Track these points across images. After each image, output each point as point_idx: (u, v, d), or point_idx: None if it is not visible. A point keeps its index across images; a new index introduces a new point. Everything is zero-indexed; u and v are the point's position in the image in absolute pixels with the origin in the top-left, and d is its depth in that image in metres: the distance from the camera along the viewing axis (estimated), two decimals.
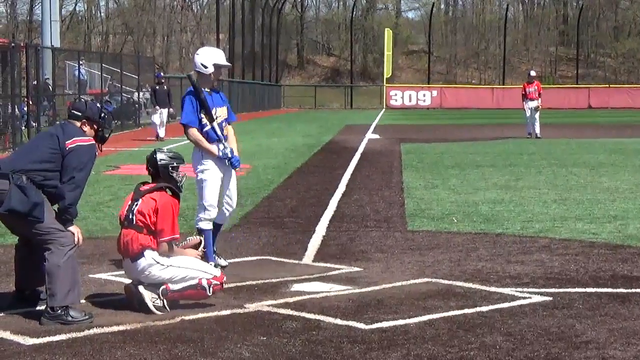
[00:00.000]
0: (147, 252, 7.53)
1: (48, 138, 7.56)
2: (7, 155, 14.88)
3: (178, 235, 7.75)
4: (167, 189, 7.85)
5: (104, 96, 38.52)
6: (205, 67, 9.65)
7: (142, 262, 7.56)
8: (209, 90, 9.72)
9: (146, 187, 7.84)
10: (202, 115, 9.53)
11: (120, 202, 13.99)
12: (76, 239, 7.37)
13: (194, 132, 9.56)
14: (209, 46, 10.81)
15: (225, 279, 7.86)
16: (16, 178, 7.11)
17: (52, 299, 7.16)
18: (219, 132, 9.59)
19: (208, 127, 9.57)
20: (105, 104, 37.31)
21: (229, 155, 9.63)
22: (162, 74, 37.20)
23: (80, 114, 7.64)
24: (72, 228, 7.36)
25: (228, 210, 9.95)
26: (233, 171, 9.85)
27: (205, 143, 9.55)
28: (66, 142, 7.33)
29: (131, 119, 39.23)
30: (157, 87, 31.64)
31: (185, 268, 7.67)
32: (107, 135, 7.88)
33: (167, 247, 7.62)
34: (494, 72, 76.12)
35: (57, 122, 7.80)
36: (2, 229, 7.70)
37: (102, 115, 7.76)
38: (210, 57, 9.77)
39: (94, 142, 7.56)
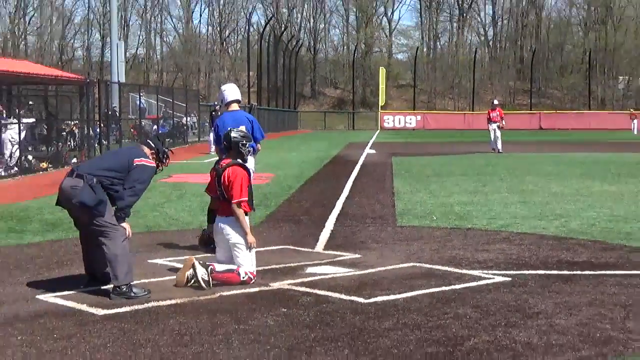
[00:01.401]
0: (226, 220, 7.87)
1: (121, 153, 7.69)
2: None
3: (245, 198, 7.80)
4: (242, 163, 8.01)
5: (159, 120, 38.58)
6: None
7: (223, 228, 7.88)
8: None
9: (224, 163, 7.99)
10: None
11: (172, 204, 14.14)
12: (127, 233, 7.42)
13: (259, 145, 10.01)
14: (233, 82, 10.69)
15: (255, 279, 7.89)
16: (89, 178, 7.20)
17: (115, 280, 7.22)
18: None
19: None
20: (161, 127, 37.41)
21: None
22: (216, 103, 37.22)
23: (153, 145, 7.77)
24: (124, 224, 7.42)
25: None
26: None
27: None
28: (134, 159, 7.45)
29: (181, 138, 39.27)
30: (213, 113, 31.60)
31: (242, 252, 7.80)
32: (164, 164, 7.91)
33: (236, 207, 7.74)
34: (465, 101, 75.90)
35: (134, 144, 8.09)
36: (71, 224, 7.73)
37: (164, 152, 7.82)
38: (236, 90, 10.13)
39: (155, 165, 7.65)
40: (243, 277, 7.73)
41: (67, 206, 7.45)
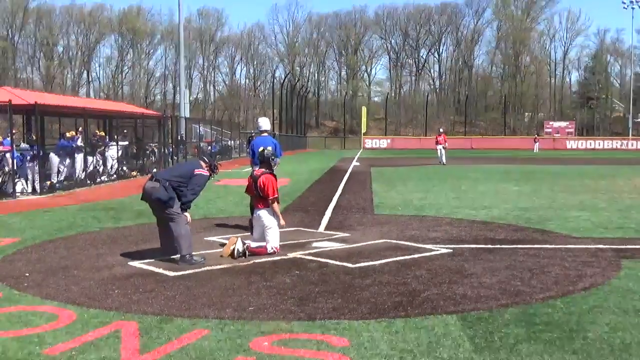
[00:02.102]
0: (263, 211, 7.86)
1: (186, 165, 7.77)
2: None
3: (277, 195, 7.88)
4: (271, 171, 8.07)
5: (212, 142, 38.68)
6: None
7: (260, 215, 7.86)
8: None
9: (258, 172, 8.06)
10: None
11: (221, 200, 14.06)
12: (188, 219, 7.44)
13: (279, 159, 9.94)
14: (265, 117, 10.87)
15: (277, 251, 7.84)
16: (163, 182, 7.27)
17: (180, 250, 7.22)
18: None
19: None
20: (213, 147, 37.44)
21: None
22: (253, 131, 37.38)
23: (207, 161, 7.83)
24: (187, 213, 7.44)
25: None
26: None
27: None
28: (195, 170, 7.49)
29: (227, 155, 39.28)
30: (250, 138, 31.50)
31: (272, 232, 7.80)
32: (215, 173, 7.91)
33: (272, 202, 7.82)
34: (420, 129, 75.81)
35: (195, 158, 8.13)
36: (151, 213, 7.72)
37: (215, 165, 7.87)
38: (268, 123, 10.22)
39: (208, 174, 7.65)
40: (270, 250, 7.73)
41: (148, 201, 7.49)
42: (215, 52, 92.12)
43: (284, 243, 8.50)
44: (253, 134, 10.24)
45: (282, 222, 7.98)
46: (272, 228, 7.81)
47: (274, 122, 66.10)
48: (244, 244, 7.59)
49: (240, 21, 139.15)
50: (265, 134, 9.99)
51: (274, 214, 7.88)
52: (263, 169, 8.06)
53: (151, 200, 7.39)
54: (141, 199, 7.66)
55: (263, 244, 7.79)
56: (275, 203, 7.87)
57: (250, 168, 9.98)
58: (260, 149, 8.43)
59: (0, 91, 18.59)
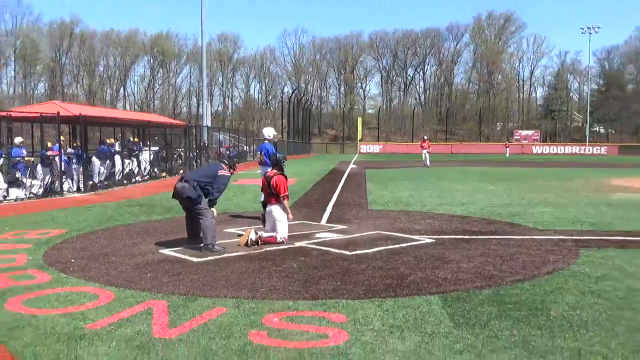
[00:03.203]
0: (275, 206, 7.84)
1: (210, 167, 7.79)
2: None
3: (287, 193, 7.91)
4: (282, 172, 8.07)
5: (230, 148, 38.70)
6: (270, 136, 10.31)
7: (272, 210, 7.86)
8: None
9: (271, 173, 8.07)
10: None
11: (238, 198, 14.04)
12: (214, 214, 7.45)
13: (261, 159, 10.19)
14: (272, 127, 11.33)
15: (286, 241, 7.84)
16: (192, 182, 7.29)
17: (205, 240, 7.22)
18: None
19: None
20: (232, 152, 37.45)
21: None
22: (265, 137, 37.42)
23: (227, 162, 7.80)
24: (213, 208, 7.44)
25: None
26: None
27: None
28: (218, 171, 7.51)
29: (243, 158, 39.27)
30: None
31: (281, 224, 7.79)
32: (234, 171, 7.89)
33: (282, 199, 7.85)
34: (408, 137, 75.65)
35: (216, 161, 8.16)
36: (179, 209, 7.72)
37: (234, 164, 7.88)
38: (272, 131, 10.49)
39: (229, 174, 7.66)
40: (279, 240, 7.72)
41: (179, 199, 7.49)
42: (232, 71, 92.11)
43: (291, 234, 8.50)
44: (264, 139, 10.36)
45: (291, 216, 8.00)
46: (281, 221, 7.81)
47: (282, 131, 66.18)
48: (256, 234, 7.59)
49: (254, 44, 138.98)
50: (267, 141, 10.23)
51: (284, 209, 7.88)
52: (275, 171, 8.07)
53: (182, 198, 7.42)
54: (172, 197, 7.65)
55: (273, 234, 7.79)
56: (285, 200, 7.87)
57: (260, 170, 10.13)
58: (260, 154, 8.54)
59: (50, 105, 18.65)
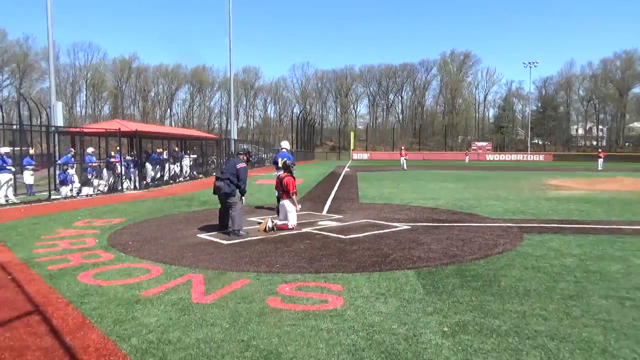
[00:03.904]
0: (286, 200, 7.72)
1: (232, 162, 7.46)
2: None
3: (295, 190, 7.79)
4: (291, 175, 7.94)
5: (252, 155, 38.59)
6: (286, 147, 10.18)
7: (284, 203, 7.74)
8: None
9: (283, 175, 7.93)
10: None
11: (258, 193, 13.93)
12: (243, 202, 7.36)
13: (278, 165, 9.95)
14: (287, 140, 11.46)
15: (296, 226, 7.81)
16: (226, 180, 7.19)
17: (233, 226, 7.16)
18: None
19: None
20: (253, 158, 37.34)
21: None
22: (278, 148, 37.28)
23: (242, 152, 7.65)
24: (243, 197, 7.36)
25: None
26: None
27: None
28: (237, 165, 7.31)
29: (262, 164, 39.22)
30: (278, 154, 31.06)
31: (291, 214, 7.69)
32: (250, 158, 7.71)
33: (292, 194, 7.72)
34: (390, 147, 75.49)
35: (236, 156, 7.76)
36: (213, 202, 7.69)
37: (249, 152, 7.73)
38: (287, 144, 10.42)
39: (246, 164, 7.48)
40: (290, 226, 7.69)
41: (218, 194, 7.36)
42: (254, 96, 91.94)
43: (299, 222, 8.47)
44: (279, 149, 10.35)
45: (299, 207, 7.95)
46: (292, 212, 7.78)
47: (292, 143, 66.01)
48: (272, 222, 7.55)
49: (271, 75, 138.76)
50: (284, 151, 10.17)
51: (293, 202, 7.84)
52: (286, 173, 8.01)
53: (220, 194, 7.30)
54: (213, 193, 7.55)
55: (286, 222, 7.76)
56: (294, 195, 7.82)
57: (275, 172, 10.08)
58: (281, 160, 8.43)
59: (113, 122, 18.63)
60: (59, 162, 13.74)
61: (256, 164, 36.95)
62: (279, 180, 7.97)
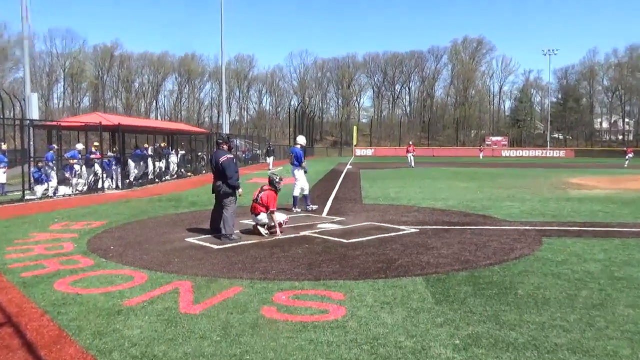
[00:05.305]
0: (261, 214, 7.48)
1: (214, 158, 7.26)
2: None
3: (275, 208, 7.51)
4: (274, 190, 7.75)
5: (246, 151, 38.55)
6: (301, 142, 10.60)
7: (259, 217, 7.51)
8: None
9: (266, 187, 7.79)
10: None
11: (251, 194, 14.00)
12: (240, 192, 7.23)
13: (304, 163, 10.46)
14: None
15: (287, 219, 7.86)
16: (222, 181, 7.19)
17: (224, 229, 7.15)
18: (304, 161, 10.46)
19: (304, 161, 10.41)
20: (247, 154, 37.31)
21: (306, 168, 10.53)
22: (270, 142, 37.15)
23: (222, 139, 7.50)
24: (239, 189, 7.24)
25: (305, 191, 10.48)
26: (304, 175, 10.56)
27: (305, 167, 10.50)
28: (219, 159, 7.15)
29: (256, 160, 39.20)
30: (268, 148, 31.06)
31: (271, 218, 7.48)
32: (230, 144, 7.49)
33: (271, 212, 7.48)
34: (395, 142, 75.49)
35: (218, 149, 7.12)
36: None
37: (227, 138, 7.55)
38: (303, 140, 10.76)
39: (230, 154, 7.31)
40: (284, 223, 7.66)
41: (216, 193, 7.31)
42: (247, 86, 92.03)
43: (297, 224, 8.46)
44: (298, 145, 10.63)
45: (279, 231, 7.43)
46: (271, 217, 7.47)
47: (290, 138, 66.03)
48: (265, 227, 7.47)
49: (266, 64, 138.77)
50: (298, 146, 10.49)
51: (271, 220, 7.42)
52: (270, 187, 7.69)
53: (218, 194, 7.25)
54: (212, 192, 7.50)
55: (276, 222, 7.46)
56: (273, 215, 7.43)
57: (291, 166, 10.46)
58: (269, 173, 8.11)
59: (94, 115, 18.65)
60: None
61: (250, 160, 36.93)
62: (260, 191, 7.69)
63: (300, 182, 10.43)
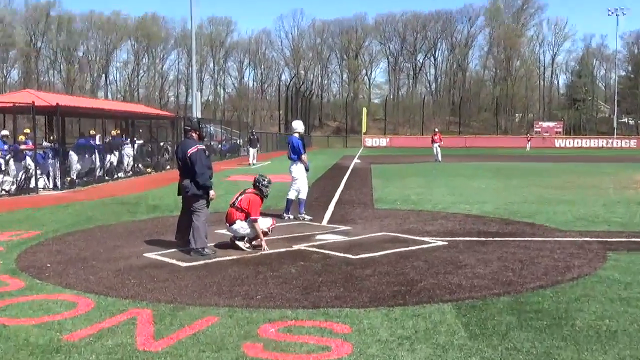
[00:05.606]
0: (238, 222, 7.49)
1: (180, 152, 7.33)
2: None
3: (258, 217, 7.48)
4: (259, 194, 7.74)
5: (222, 141, 38.59)
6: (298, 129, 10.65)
7: (235, 227, 7.51)
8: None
9: (249, 190, 7.79)
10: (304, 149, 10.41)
11: (230, 195, 13.98)
12: (213, 195, 7.27)
13: (304, 156, 10.40)
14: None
15: (275, 223, 7.95)
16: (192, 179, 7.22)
17: (194, 242, 7.16)
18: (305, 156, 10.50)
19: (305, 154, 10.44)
20: (223, 145, 37.35)
21: (307, 165, 10.57)
22: (253, 130, 37.06)
23: (190, 126, 7.57)
24: (212, 191, 7.25)
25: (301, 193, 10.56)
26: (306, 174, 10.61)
27: (306, 162, 10.46)
28: (187, 152, 7.18)
29: (236, 153, 39.23)
30: (251, 137, 30.52)
31: (253, 228, 7.46)
32: (200, 132, 7.53)
33: (254, 221, 7.44)
34: (417, 128, 75.53)
35: (183, 139, 7.16)
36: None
37: (196, 123, 7.62)
38: (300, 125, 10.78)
39: (200, 144, 7.31)
40: (270, 231, 7.72)
41: (184, 196, 7.37)
42: (225, 56, 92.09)
43: (289, 236, 8.46)
44: (302, 134, 10.69)
45: (264, 245, 7.43)
46: (252, 226, 7.51)
47: (279, 123, 66.12)
48: (246, 242, 7.47)
49: (248, 28, 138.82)
50: (295, 135, 10.50)
51: (255, 232, 7.45)
52: (253, 190, 7.72)
53: (186, 196, 7.27)
54: (177, 194, 7.56)
55: (258, 231, 7.49)
56: (256, 223, 7.42)
57: (290, 165, 10.56)
58: (257, 177, 7.95)
59: (24, 93, 18.61)
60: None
61: (228, 152, 36.99)
62: (239, 195, 7.69)
63: (299, 182, 10.40)
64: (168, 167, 23.95)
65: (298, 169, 10.40)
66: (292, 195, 10.42)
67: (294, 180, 10.45)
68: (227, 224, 7.62)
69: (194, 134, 7.40)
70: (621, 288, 5.73)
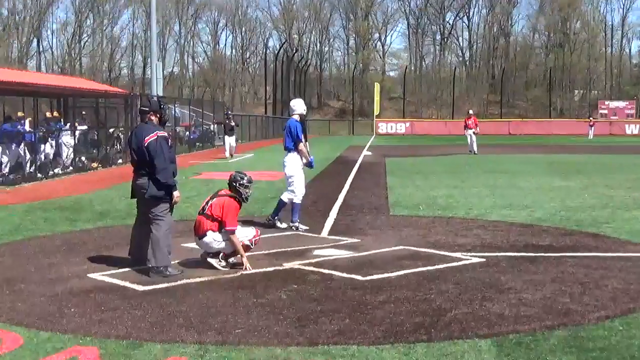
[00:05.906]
0: (209, 233, 7.48)
1: (135, 140, 7.29)
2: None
3: (235, 227, 7.45)
4: (236, 197, 7.71)
5: (191, 127, 38.61)
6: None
7: (205, 239, 7.51)
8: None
9: (223, 192, 7.78)
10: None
11: (202, 197, 13.98)
12: (178, 197, 7.31)
13: (302, 145, 10.40)
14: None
15: (260, 232, 7.93)
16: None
17: (155, 260, 7.17)
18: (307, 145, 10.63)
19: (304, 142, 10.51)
20: (192, 133, 37.34)
21: (311, 159, 10.68)
22: (230, 112, 36.90)
23: (149, 107, 7.46)
24: (175, 192, 7.26)
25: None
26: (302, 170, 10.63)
27: (307, 154, 10.52)
28: (143, 140, 7.13)
29: (209, 142, 39.25)
30: (226, 121, 30.04)
31: (230, 242, 7.45)
32: (164, 115, 7.50)
33: (230, 233, 7.43)
34: (446, 111, 75.69)
35: (140, 123, 7.11)
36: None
37: (158, 102, 7.56)
38: (301, 105, 10.73)
39: (160, 132, 7.27)
40: (252, 244, 7.68)
41: (139, 198, 7.42)
42: (194, 16, 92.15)
43: (279, 250, 8.48)
44: (304, 115, 10.85)
45: (246, 264, 7.45)
46: (229, 237, 7.51)
47: (266, 103, 66.15)
48: (220, 260, 7.49)
49: None
50: (294, 117, 10.51)
51: (234, 246, 7.49)
52: (229, 192, 7.74)
53: (142, 199, 7.25)
54: (131, 197, 7.56)
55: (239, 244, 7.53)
56: (234, 236, 7.43)
57: (285, 155, 10.60)
58: (235, 173, 7.96)
59: None
60: None
61: (198, 142, 37.02)
62: (210, 199, 7.73)
63: (296, 182, 10.37)
64: (120, 160, 23.98)
65: (292, 163, 10.38)
66: (286, 196, 10.42)
67: (289, 178, 10.43)
68: (197, 237, 7.62)
69: (153, 118, 7.38)
70: None
